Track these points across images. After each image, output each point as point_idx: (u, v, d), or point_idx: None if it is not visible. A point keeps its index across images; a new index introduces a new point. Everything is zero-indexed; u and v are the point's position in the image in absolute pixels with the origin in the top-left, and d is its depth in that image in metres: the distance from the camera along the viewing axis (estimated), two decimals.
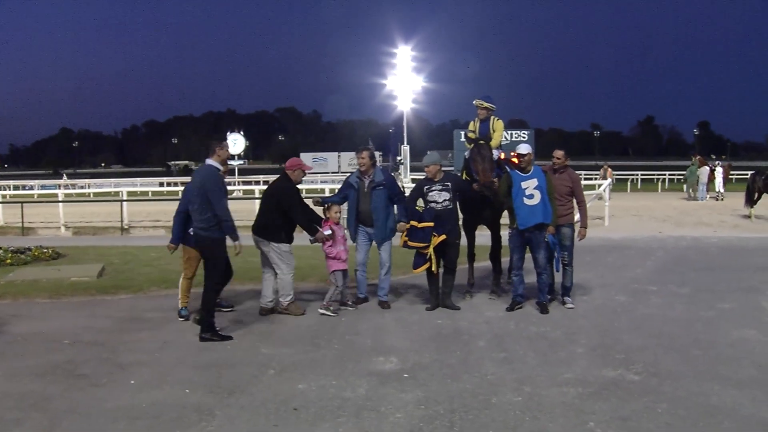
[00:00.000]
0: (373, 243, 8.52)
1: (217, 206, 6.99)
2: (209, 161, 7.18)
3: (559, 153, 8.26)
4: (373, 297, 8.65)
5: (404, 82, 32.96)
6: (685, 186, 31.23)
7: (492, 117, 8.94)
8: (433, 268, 8.07)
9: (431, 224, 7.92)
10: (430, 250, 7.97)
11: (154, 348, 6.69)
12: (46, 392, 5.41)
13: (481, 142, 8.40)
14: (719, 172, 29.66)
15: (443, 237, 7.98)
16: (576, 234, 8.37)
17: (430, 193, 8.13)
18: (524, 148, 8.06)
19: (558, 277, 8.43)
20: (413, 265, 8.17)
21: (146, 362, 6.22)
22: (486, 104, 8.89)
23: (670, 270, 10.97)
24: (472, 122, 9.11)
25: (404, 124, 31.94)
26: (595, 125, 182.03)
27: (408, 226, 8.01)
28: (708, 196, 29.51)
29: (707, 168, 29.52)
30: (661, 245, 14.17)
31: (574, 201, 8.33)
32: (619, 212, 22.07)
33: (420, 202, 8.31)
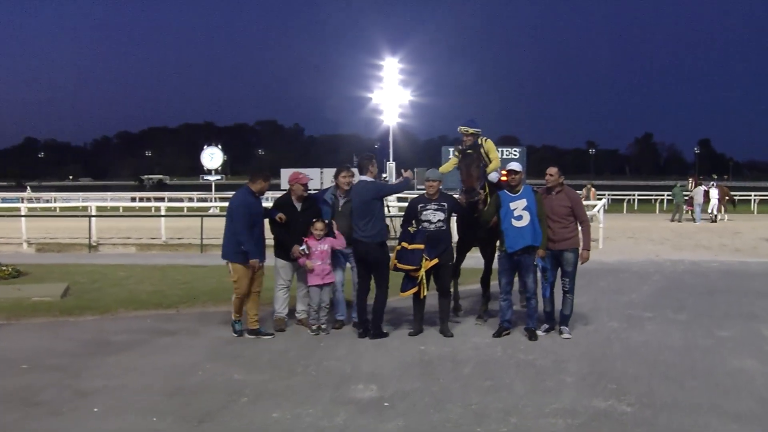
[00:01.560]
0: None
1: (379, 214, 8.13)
2: (365, 178, 8.22)
3: (552, 170, 8.19)
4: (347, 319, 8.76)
5: (391, 95, 33.06)
6: (675, 207, 31.37)
7: (479, 138, 8.92)
8: (422, 293, 8.09)
9: (421, 246, 7.93)
10: (421, 273, 7.97)
11: (120, 373, 6.63)
12: (0, 422, 5.33)
13: (469, 151, 8.43)
14: (714, 193, 29.80)
15: (435, 261, 8.00)
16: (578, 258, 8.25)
17: (424, 212, 8.13)
18: (515, 166, 8.10)
19: (550, 304, 8.41)
20: (401, 287, 8.16)
21: (111, 388, 6.15)
22: (471, 130, 8.82)
23: (666, 295, 11.02)
24: (458, 149, 9.07)
25: (390, 139, 32.00)
26: (591, 143, 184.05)
27: (398, 247, 8.04)
28: (702, 217, 29.68)
29: (702, 188, 29.67)
30: (657, 269, 14.24)
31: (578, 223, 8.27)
32: (614, 234, 22.15)
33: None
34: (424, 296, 8.15)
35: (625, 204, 44.00)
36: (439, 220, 8.10)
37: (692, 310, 9.75)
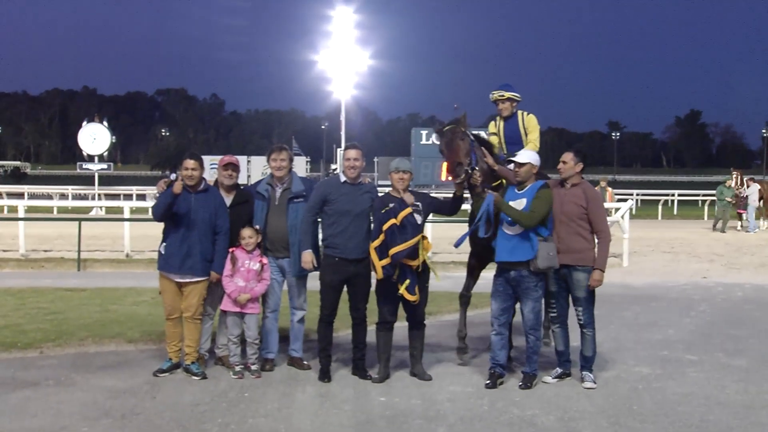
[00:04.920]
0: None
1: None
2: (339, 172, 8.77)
3: (566, 156, 8.36)
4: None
5: (343, 59, 32.96)
6: (716, 211, 31.71)
7: (520, 112, 9.26)
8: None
9: (410, 210, 8.08)
10: (420, 261, 8.13)
11: None
12: None
13: (448, 127, 8.56)
14: (754, 191, 30.42)
15: (431, 245, 8.28)
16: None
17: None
18: (523, 156, 8.26)
19: (561, 340, 8.50)
20: (408, 291, 8.18)
21: None
22: (508, 94, 9.20)
23: (718, 332, 11.20)
24: (492, 122, 9.44)
25: (342, 118, 32.01)
26: (614, 124, 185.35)
27: (378, 240, 8.09)
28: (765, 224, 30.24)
29: (756, 186, 30.34)
30: (705, 296, 14.47)
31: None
32: (644, 248, 22.45)
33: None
34: (391, 330, 8.31)
35: (660, 207, 44.36)
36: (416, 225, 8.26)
37: (755, 353, 9.87)
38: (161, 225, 8.48)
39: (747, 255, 21.72)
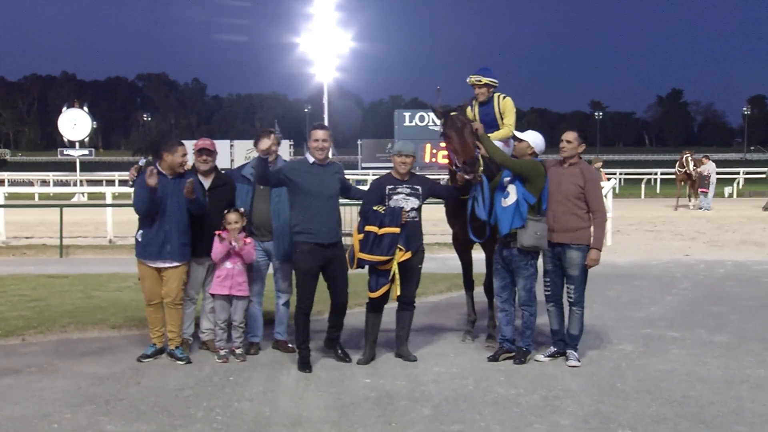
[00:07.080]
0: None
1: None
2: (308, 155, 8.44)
3: (570, 135, 8.41)
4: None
5: (324, 41, 32.88)
6: None
7: (496, 95, 9.28)
8: (394, 292, 8.23)
9: (397, 230, 8.04)
10: (394, 265, 8.10)
11: None
12: None
13: (453, 112, 8.60)
14: (712, 168, 30.78)
15: (409, 254, 8.17)
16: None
17: (394, 197, 8.30)
18: (524, 134, 8.44)
19: (556, 319, 8.54)
20: (370, 286, 8.30)
21: None
22: (485, 79, 9.19)
23: (699, 309, 11.28)
24: (468, 108, 9.33)
25: (325, 101, 31.97)
26: (597, 104, 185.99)
27: (360, 236, 8.13)
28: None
29: (712, 164, 30.64)
30: (687, 273, 14.58)
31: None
32: (627, 226, 22.59)
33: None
34: (396, 297, 8.29)
35: (643, 185, 44.53)
36: (412, 209, 8.30)
37: (736, 329, 9.95)
38: None
39: (728, 232, 21.83)
